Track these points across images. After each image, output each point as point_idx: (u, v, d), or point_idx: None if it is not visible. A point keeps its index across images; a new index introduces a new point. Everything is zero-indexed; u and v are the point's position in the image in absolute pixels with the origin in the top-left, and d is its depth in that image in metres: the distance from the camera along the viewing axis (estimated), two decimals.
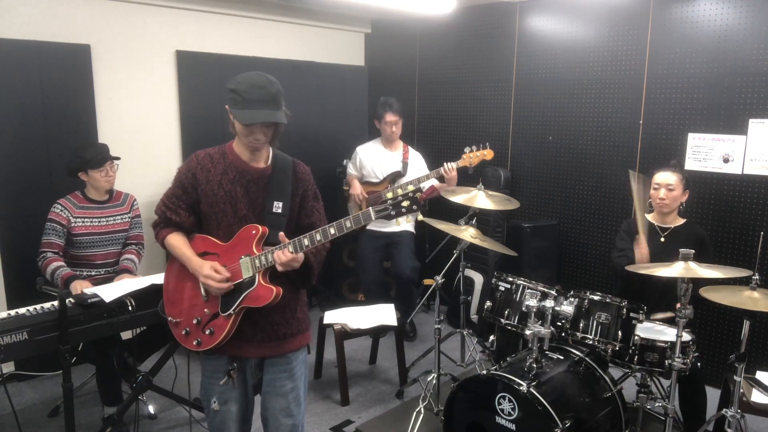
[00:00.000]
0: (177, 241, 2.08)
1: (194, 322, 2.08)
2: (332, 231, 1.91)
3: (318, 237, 1.92)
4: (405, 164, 4.17)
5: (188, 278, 2.09)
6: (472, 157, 3.87)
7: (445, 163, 3.84)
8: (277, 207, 2.03)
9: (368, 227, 4.19)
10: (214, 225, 2.06)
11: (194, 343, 2.08)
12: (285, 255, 1.92)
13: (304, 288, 2.20)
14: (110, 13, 3.83)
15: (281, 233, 1.96)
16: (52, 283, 2.94)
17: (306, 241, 1.92)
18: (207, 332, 2.04)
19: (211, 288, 2.00)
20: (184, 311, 2.11)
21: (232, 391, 2.14)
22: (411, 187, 1.89)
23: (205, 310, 2.06)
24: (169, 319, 2.14)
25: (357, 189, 4.23)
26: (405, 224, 4.11)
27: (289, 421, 2.16)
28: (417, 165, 4.21)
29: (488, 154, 3.89)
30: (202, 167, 2.04)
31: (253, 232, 1.99)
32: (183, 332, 2.10)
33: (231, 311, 2.01)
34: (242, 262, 2.00)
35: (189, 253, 2.05)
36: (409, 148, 4.29)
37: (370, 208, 1.87)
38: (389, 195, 1.88)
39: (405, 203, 1.85)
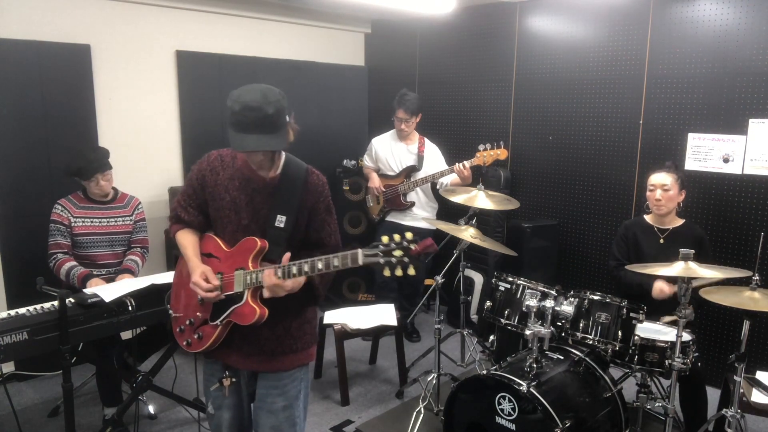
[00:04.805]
0: (184, 239, 2.05)
1: (188, 322, 2.06)
2: (320, 265, 1.80)
3: (305, 268, 1.81)
4: (420, 158, 4.13)
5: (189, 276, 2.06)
6: (486, 156, 3.77)
7: (457, 163, 3.81)
8: (280, 221, 1.92)
9: (387, 218, 4.24)
10: (220, 228, 2.01)
11: (184, 343, 2.06)
12: (271, 278, 1.83)
13: (309, 306, 2.10)
14: (110, 13, 3.83)
15: (287, 255, 1.85)
16: (68, 284, 2.95)
17: (294, 270, 1.82)
18: (196, 336, 2.02)
19: (198, 294, 1.95)
20: (184, 308, 2.09)
21: (225, 398, 2.08)
22: (409, 235, 1.68)
23: (198, 313, 2.03)
24: (170, 312, 2.12)
25: (375, 182, 4.21)
26: (425, 221, 4.07)
27: None
28: (433, 159, 4.16)
29: (502, 153, 3.77)
30: (212, 169, 1.98)
31: (252, 245, 1.92)
32: (178, 329, 2.08)
33: (218, 322, 1.96)
34: (236, 274, 1.93)
35: (190, 253, 2.01)
36: (426, 140, 4.22)
37: (360, 250, 1.70)
38: (384, 239, 1.69)
39: (397, 253, 1.65)
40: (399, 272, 1.66)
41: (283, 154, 2.01)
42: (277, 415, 2.04)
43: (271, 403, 2.04)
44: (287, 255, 1.85)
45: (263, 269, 1.87)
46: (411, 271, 1.66)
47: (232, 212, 1.95)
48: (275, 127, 1.79)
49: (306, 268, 1.82)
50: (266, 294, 1.86)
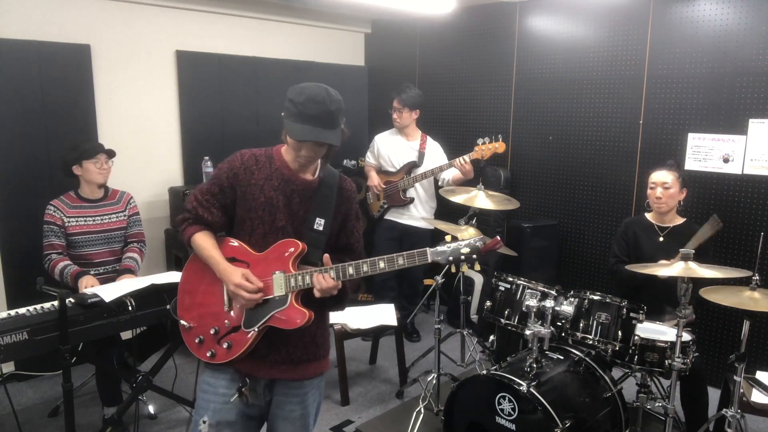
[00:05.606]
0: (206, 241, 1.92)
1: (211, 331, 1.92)
2: (381, 265, 1.77)
3: (365, 268, 1.78)
4: (421, 154, 4.14)
5: (210, 282, 1.93)
6: (484, 149, 3.78)
7: (457, 158, 3.82)
8: (319, 224, 1.91)
9: (386, 216, 4.24)
10: (247, 231, 1.91)
11: (208, 354, 1.92)
12: (326, 281, 1.79)
13: (333, 311, 2.06)
14: (110, 13, 3.83)
15: (326, 256, 1.84)
16: (62, 282, 2.93)
17: (351, 270, 1.79)
18: (224, 345, 1.89)
19: (240, 298, 1.84)
20: (201, 317, 1.96)
21: (230, 412, 1.92)
22: (473, 232, 1.79)
23: (226, 321, 1.91)
24: (182, 322, 1.98)
25: (374, 180, 4.23)
26: (422, 220, 4.07)
27: None
28: (434, 156, 4.16)
29: (500, 146, 3.77)
30: (246, 168, 1.90)
31: (292, 248, 1.85)
32: (196, 340, 1.94)
33: (255, 328, 1.86)
34: (275, 278, 1.85)
35: (218, 256, 1.89)
36: (428, 138, 4.23)
37: (428, 248, 1.75)
38: (448, 238, 1.76)
39: (464, 250, 1.72)
40: (464, 268, 1.77)
41: (320, 159, 1.98)
42: (294, 423, 2.01)
43: (290, 411, 1.99)
44: (327, 256, 1.84)
45: (309, 271, 1.82)
46: (477, 267, 1.79)
47: (266, 213, 1.88)
48: (334, 124, 1.80)
49: (365, 268, 1.79)
50: (318, 295, 1.82)
